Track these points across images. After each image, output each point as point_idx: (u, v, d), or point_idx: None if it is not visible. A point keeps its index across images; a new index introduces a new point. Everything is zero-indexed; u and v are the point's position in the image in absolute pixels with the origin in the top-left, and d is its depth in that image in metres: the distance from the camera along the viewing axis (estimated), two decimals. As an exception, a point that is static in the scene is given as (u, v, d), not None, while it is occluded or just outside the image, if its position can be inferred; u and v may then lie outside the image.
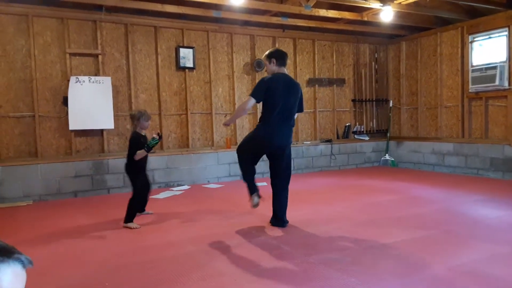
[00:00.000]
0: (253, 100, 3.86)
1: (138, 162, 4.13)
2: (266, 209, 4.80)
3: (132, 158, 4.10)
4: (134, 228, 4.06)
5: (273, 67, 4.01)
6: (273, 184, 4.24)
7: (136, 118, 4.16)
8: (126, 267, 2.99)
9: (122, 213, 4.78)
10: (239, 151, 4.17)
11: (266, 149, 4.15)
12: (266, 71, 4.19)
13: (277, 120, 3.94)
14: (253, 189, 4.14)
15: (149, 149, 4.07)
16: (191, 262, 3.06)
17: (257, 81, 7.45)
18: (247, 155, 4.13)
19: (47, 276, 2.87)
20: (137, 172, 4.20)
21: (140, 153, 4.06)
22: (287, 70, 8.08)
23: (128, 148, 4.19)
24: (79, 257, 3.26)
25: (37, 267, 3.25)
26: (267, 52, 4.09)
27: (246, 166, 4.16)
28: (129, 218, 4.13)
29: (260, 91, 3.87)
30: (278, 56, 4.02)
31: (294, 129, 8.10)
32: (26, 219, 4.61)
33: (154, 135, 4.10)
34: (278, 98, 3.87)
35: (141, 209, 4.53)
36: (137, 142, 4.11)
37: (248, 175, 4.16)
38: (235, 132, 7.44)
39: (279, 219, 4.09)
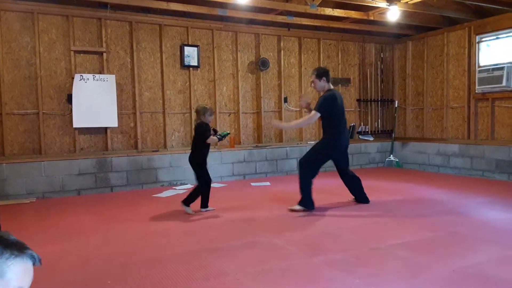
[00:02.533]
0: (318, 115, 4.53)
1: (205, 153, 4.58)
2: (270, 208, 4.77)
3: (200, 147, 4.52)
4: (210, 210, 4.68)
5: (324, 84, 4.65)
6: (346, 174, 4.93)
7: (202, 113, 4.55)
8: (129, 266, 2.97)
9: (125, 211, 4.78)
10: (309, 169, 4.61)
11: (340, 153, 4.82)
12: (314, 86, 4.77)
13: (342, 128, 4.71)
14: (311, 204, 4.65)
15: (220, 138, 4.57)
16: (194, 261, 3.04)
17: (261, 80, 7.55)
18: (316, 170, 4.67)
19: (50, 273, 2.86)
20: (204, 161, 4.59)
21: (213, 138, 4.49)
22: (293, 70, 8.14)
23: (195, 137, 4.61)
24: (82, 254, 3.25)
25: (41, 264, 3.23)
26: (316, 72, 4.68)
27: (310, 180, 4.65)
28: (206, 202, 4.65)
29: (326, 107, 4.54)
30: (328, 75, 4.67)
31: (298, 128, 8.17)
32: (30, 216, 4.61)
33: (223, 132, 4.76)
34: (341, 111, 4.63)
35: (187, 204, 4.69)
36: (207, 128, 4.52)
37: (310, 188, 4.64)
38: (239, 131, 7.41)
39: (363, 196, 4.90)
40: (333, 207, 4.83)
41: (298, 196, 5.46)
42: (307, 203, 4.59)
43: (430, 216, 4.30)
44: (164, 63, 6.73)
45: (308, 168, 4.62)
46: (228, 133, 4.72)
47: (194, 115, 6.93)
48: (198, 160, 4.56)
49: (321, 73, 4.64)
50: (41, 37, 5.92)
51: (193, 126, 4.78)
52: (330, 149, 4.69)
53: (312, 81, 4.70)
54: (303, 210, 4.56)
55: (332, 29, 7.96)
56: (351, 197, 5.04)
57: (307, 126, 4.66)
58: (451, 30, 7.57)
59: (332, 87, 4.75)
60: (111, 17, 6.29)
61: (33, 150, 5.94)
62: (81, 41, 6.18)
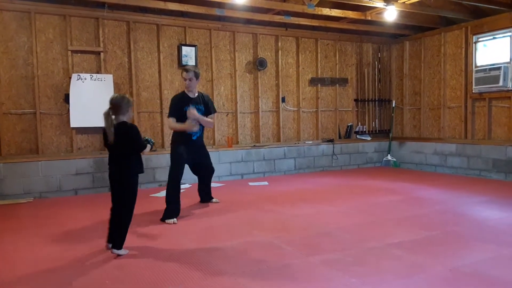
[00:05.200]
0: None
1: (140, 161, 3.36)
2: (267, 208, 4.78)
3: (132, 156, 3.27)
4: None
5: (196, 86, 4.54)
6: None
7: (125, 107, 3.22)
8: (126, 266, 2.97)
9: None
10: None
11: None
12: (189, 84, 4.44)
13: None
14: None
15: (152, 146, 3.49)
16: (191, 261, 3.04)
17: (259, 79, 7.55)
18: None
19: (48, 273, 2.86)
20: (137, 176, 3.35)
21: (147, 147, 3.37)
22: (291, 70, 8.14)
23: (119, 144, 3.19)
24: (80, 255, 3.24)
25: (39, 265, 3.22)
26: (195, 71, 4.46)
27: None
28: (124, 239, 3.25)
29: None
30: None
31: (296, 128, 8.18)
32: (27, 216, 4.60)
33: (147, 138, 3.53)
34: None
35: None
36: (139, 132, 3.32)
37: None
38: (237, 131, 7.41)
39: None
40: (328, 207, 4.83)
41: (296, 196, 5.49)
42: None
43: (426, 215, 4.31)
44: (162, 63, 6.73)
45: None
46: (153, 142, 3.54)
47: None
48: (130, 173, 3.28)
49: (198, 74, 4.51)
50: (38, 37, 5.90)
51: (108, 127, 3.16)
52: None
53: (190, 79, 4.39)
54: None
55: (329, 29, 7.97)
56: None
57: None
58: (448, 30, 7.59)
59: None
60: (108, 16, 6.28)
61: (30, 150, 5.93)
62: (78, 41, 6.16)
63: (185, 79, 4.43)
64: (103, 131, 3.23)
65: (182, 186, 6.27)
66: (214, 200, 5.08)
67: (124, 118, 3.23)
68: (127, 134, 3.21)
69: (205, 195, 5.05)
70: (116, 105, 3.19)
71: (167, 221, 4.18)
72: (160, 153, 6.44)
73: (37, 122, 5.91)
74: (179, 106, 4.38)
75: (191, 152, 4.56)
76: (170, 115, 4.40)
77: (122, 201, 3.30)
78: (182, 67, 4.53)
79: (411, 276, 2.66)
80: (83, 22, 6.18)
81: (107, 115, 3.16)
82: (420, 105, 8.25)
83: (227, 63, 7.31)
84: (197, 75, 4.45)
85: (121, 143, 3.20)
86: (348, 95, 8.53)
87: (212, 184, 6.46)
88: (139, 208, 4.90)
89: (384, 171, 7.77)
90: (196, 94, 4.55)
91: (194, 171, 4.89)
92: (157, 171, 6.37)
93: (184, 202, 5.21)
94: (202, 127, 4.58)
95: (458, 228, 3.79)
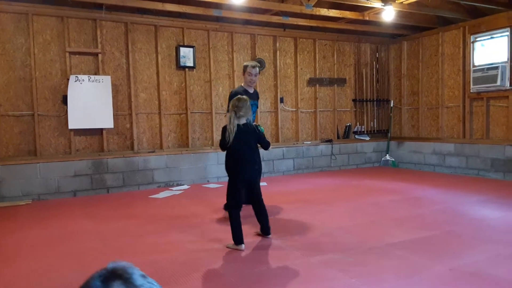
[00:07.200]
0: None
1: None
2: (268, 210, 4.77)
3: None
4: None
5: None
6: None
7: (246, 105, 3.38)
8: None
9: (122, 212, 4.76)
10: None
11: None
12: (253, 80, 4.50)
13: None
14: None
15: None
16: (190, 262, 3.03)
17: (258, 80, 7.50)
18: None
19: (47, 275, 2.85)
20: None
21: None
22: (289, 70, 8.14)
23: (253, 142, 3.47)
24: (79, 256, 3.23)
25: (38, 266, 3.21)
26: (260, 65, 4.43)
27: None
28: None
29: None
30: None
31: (294, 128, 8.16)
32: (26, 219, 4.58)
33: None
34: None
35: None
36: None
37: None
38: (236, 131, 7.39)
39: None
40: (328, 207, 4.83)
41: (295, 196, 5.48)
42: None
43: (426, 215, 4.31)
44: (160, 64, 6.72)
45: None
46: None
47: (190, 116, 6.93)
48: (260, 169, 3.61)
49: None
50: (35, 38, 5.89)
51: (232, 130, 3.35)
52: None
53: (255, 75, 4.45)
54: None
55: (327, 29, 7.98)
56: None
57: None
58: (446, 30, 7.61)
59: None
60: (106, 18, 6.27)
61: (28, 151, 5.91)
62: (76, 42, 6.15)
63: (250, 74, 4.45)
64: (223, 135, 3.39)
65: (180, 188, 6.29)
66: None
67: (247, 119, 3.41)
68: (254, 133, 3.45)
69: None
70: (239, 108, 3.34)
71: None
72: (158, 154, 6.43)
73: (35, 123, 5.89)
74: None
75: None
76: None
77: (260, 196, 3.59)
78: (248, 64, 4.49)
79: (411, 276, 2.66)
80: (81, 23, 6.17)
81: (230, 118, 3.35)
82: (418, 105, 8.26)
83: (225, 63, 7.31)
84: (259, 72, 4.55)
85: (249, 143, 3.40)
86: (346, 95, 8.53)
87: (211, 185, 6.48)
88: (138, 209, 4.89)
89: (383, 171, 7.78)
90: (253, 90, 4.61)
91: None
92: (156, 172, 6.36)
93: (183, 203, 5.21)
94: (254, 117, 4.52)
95: (457, 228, 3.79)
